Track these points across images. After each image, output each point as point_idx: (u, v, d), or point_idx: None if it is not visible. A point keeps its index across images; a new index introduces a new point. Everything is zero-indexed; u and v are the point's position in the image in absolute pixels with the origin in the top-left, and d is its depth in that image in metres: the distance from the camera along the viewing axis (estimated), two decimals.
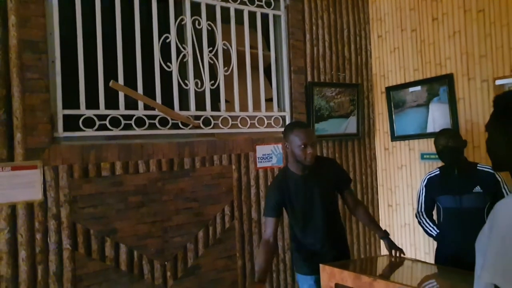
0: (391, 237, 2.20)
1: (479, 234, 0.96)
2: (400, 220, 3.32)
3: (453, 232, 2.22)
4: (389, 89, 3.37)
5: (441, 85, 3.02)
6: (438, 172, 2.38)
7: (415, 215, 2.47)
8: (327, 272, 1.89)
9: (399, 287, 1.57)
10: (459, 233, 2.18)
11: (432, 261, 2.49)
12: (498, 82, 2.68)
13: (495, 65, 2.70)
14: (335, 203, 2.21)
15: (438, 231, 2.35)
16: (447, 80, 2.96)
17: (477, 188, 2.16)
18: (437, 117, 3.05)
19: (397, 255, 2.10)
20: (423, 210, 2.42)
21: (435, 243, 3.04)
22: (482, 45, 2.77)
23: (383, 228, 2.24)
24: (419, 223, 2.44)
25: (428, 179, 2.40)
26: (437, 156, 3.05)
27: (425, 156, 3.14)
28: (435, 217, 2.44)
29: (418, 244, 3.17)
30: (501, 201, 0.94)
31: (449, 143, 2.22)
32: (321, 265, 1.92)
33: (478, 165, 2.26)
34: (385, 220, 3.43)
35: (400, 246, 2.14)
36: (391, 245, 2.14)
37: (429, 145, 3.12)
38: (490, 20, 2.72)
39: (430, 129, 3.10)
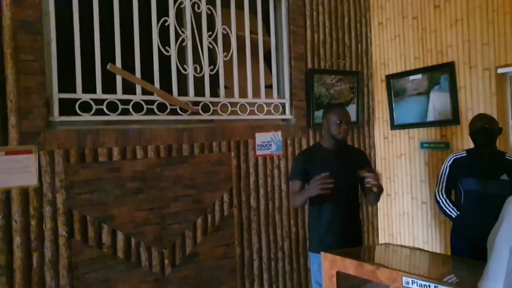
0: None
1: (492, 232, 0.91)
2: (399, 209, 3.32)
3: (476, 216, 2.21)
4: (389, 77, 3.34)
5: (442, 73, 2.99)
6: (465, 154, 2.35)
7: (435, 194, 2.44)
8: (328, 260, 1.86)
9: (403, 275, 1.55)
10: (481, 218, 2.16)
11: (431, 250, 2.49)
12: (500, 70, 2.66)
13: (497, 53, 2.68)
14: (356, 190, 2.28)
15: (458, 212, 2.33)
16: (448, 68, 2.93)
17: (504, 176, 2.16)
18: (437, 105, 3.03)
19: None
20: (444, 190, 2.40)
21: (434, 232, 3.07)
22: (484, 32, 2.74)
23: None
24: (438, 202, 2.42)
25: (454, 159, 2.38)
26: (436, 145, 3.07)
27: (424, 145, 3.12)
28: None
29: (416, 233, 3.18)
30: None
31: (486, 125, 2.21)
32: (322, 253, 1.89)
33: (506, 154, 2.26)
34: (383, 209, 3.43)
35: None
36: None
37: (429, 134, 3.11)
38: (493, 7, 2.69)
39: (430, 117, 3.08)
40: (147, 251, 2.29)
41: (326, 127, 2.25)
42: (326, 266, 1.86)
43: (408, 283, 1.54)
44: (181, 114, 2.48)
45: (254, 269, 2.71)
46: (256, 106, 2.81)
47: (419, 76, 3.14)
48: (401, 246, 2.13)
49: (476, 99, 2.79)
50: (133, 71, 2.31)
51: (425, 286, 1.50)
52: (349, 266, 1.76)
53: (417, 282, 1.52)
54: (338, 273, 1.81)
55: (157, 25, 2.41)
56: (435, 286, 1.47)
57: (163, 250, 2.35)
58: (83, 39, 2.17)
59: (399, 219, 3.32)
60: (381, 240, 3.43)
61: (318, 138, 3.04)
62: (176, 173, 2.41)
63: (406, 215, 3.26)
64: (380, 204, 3.47)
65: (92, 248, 2.13)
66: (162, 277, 2.34)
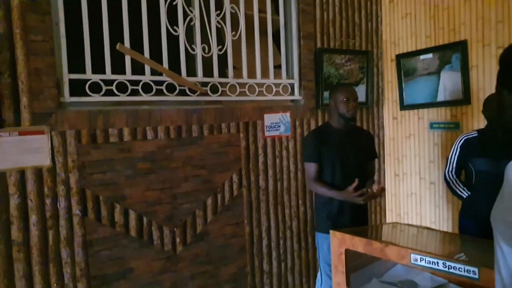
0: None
1: (495, 207, 0.91)
2: (407, 189, 3.32)
3: (488, 196, 2.20)
4: (399, 57, 3.29)
5: (453, 52, 2.93)
6: (476, 134, 2.33)
7: (444, 174, 2.45)
8: (337, 238, 1.89)
9: (411, 252, 1.57)
10: (494, 198, 2.16)
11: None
12: None
13: None
14: (363, 169, 2.33)
15: (469, 193, 2.34)
16: (461, 47, 2.87)
17: None
18: (448, 85, 2.99)
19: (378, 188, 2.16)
20: (454, 170, 2.40)
21: (442, 212, 3.08)
22: (499, 9, 2.67)
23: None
24: (448, 183, 2.42)
25: (464, 140, 2.36)
26: (446, 126, 3.04)
27: (434, 125, 3.10)
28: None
29: (424, 213, 3.19)
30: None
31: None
32: (331, 231, 1.93)
33: None
34: (391, 189, 3.44)
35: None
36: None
37: (439, 114, 3.08)
38: None
39: (440, 98, 3.04)
40: (159, 230, 2.34)
41: (334, 107, 2.28)
42: (335, 244, 1.89)
43: (416, 260, 1.57)
44: (190, 95, 2.48)
45: (263, 247, 2.76)
46: (264, 86, 2.79)
47: (430, 55, 3.09)
48: (409, 225, 2.14)
49: (489, 79, 2.75)
50: (141, 51, 2.30)
51: (434, 263, 1.52)
52: (358, 244, 1.79)
53: (425, 259, 1.54)
54: (347, 251, 1.84)
55: (165, 4, 2.38)
56: (443, 263, 1.49)
57: (175, 229, 2.39)
58: (91, 19, 2.15)
59: (406, 199, 3.33)
60: (388, 220, 3.45)
61: (327, 119, 3.02)
62: (186, 154, 2.43)
63: (414, 195, 3.27)
64: (388, 184, 3.48)
65: (105, 227, 2.18)
66: (174, 255, 2.39)
